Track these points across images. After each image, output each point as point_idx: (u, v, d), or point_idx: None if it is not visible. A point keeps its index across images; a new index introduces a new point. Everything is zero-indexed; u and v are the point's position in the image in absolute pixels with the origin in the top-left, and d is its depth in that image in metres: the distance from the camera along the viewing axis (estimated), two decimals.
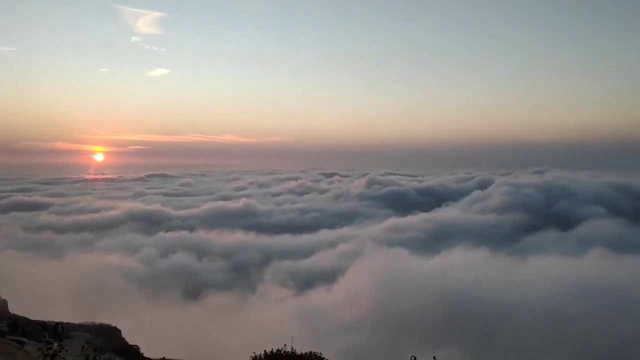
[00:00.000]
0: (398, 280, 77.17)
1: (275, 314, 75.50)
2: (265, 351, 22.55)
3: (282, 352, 22.28)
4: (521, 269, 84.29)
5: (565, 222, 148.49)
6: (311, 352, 23.82)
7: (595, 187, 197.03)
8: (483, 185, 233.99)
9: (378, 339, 55.62)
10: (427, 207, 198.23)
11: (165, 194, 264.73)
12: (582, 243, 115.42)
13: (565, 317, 60.70)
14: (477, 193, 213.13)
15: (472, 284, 70.99)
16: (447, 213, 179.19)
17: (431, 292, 68.93)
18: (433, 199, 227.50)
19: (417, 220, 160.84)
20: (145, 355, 35.87)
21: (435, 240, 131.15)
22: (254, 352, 22.54)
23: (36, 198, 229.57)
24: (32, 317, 43.79)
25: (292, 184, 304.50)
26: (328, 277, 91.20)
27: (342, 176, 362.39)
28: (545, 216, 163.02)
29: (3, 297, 55.53)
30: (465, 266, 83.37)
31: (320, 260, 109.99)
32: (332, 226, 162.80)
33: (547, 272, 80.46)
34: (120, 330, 45.87)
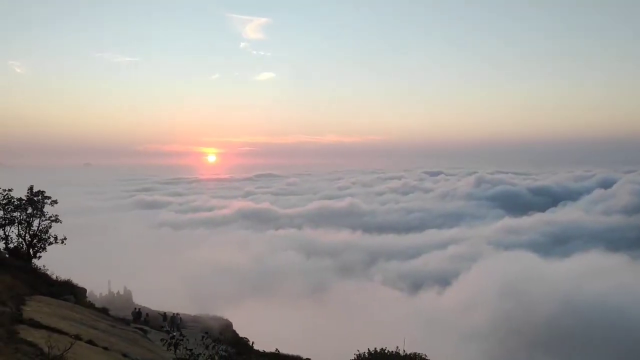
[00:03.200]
0: (524, 286, 71.24)
1: (385, 314, 73.52)
2: (369, 349, 22.86)
3: (385, 351, 22.37)
4: None
5: None
6: (416, 353, 22.63)
7: None
8: (605, 184, 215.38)
9: (506, 350, 51.34)
10: (543, 208, 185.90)
11: (273, 193, 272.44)
12: None
13: None
14: (599, 192, 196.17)
15: (608, 293, 63.63)
16: (568, 214, 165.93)
17: (562, 300, 62.76)
18: (548, 198, 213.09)
19: (533, 221, 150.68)
20: (255, 348, 36.10)
21: (556, 243, 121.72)
22: (358, 350, 22.90)
23: (157, 197, 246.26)
24: (153, 308, 46.04)
25: (395, 183, 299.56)
26: (440, 279, 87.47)
27: (447, 175, 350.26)
28: None
29: (128, 289, 59.30)
30: (598, 272, 75.22)
31: (429, 262, 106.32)
32: (438, 226, 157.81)
33: None
34: (232, 323, 47.06)
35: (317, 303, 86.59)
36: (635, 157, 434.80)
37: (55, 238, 35.65)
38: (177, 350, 10.51)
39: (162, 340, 10.89)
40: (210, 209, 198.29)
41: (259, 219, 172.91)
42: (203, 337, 11.15)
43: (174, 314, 39.46)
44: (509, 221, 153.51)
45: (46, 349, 10.58)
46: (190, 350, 10.64)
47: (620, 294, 64.97)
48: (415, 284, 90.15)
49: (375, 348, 22.67)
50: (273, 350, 34.18)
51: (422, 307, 75.03)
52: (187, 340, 10.77)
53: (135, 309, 39.66)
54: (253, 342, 37.58)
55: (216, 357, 11.00)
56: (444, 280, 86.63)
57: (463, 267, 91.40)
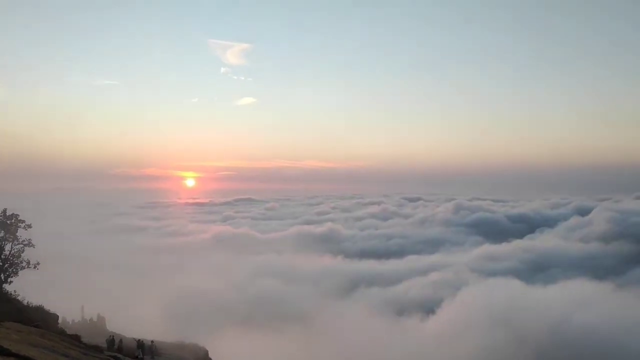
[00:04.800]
0: (510, 314, 70.70)
1: (368, 341, 72.25)
2: None
3: None
4: None
5: None
6: None
7: None
8: (582, 211, 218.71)
9: None
10: (520, 235, 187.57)
11: (252, 218, 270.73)
12: None
13: None
14: (576, 219, 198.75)
15: (595, 321, 63.44)
16: (546, 241, 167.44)
17: (550, 329, 62.29)
18: (526, 225, 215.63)
19: (512, 248, 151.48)
20: None
21: (536, 270, 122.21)
22: None
23: (133, 221, 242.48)
24: (127, 335, 44.68)
25: (375, 209, 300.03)
26: (423, 306, 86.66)
27: (426, 201, 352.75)
28: None
29: (102, 315, 57.37)
30: (583, 300, 75.25)
31: (411, 288, 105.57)
32: (418, 252, 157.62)
33: None
34: (207, 351, 45.93)
35: (297, 330, 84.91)
36: (609, 185, 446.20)
37: (28, 263, 34.47)
38: None
39: None
40: (188, 234, 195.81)
41: (238, 244, 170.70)
42: None
43: (149, 341, 38.15)
44: (488, 248, 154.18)
45: None
46: None
47: (607, 322, 64.88)
48: (398, 311, 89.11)
49: None
50: None
51: (405, 334, 73.84)
52: None
53: (110, 336, 38.20)
54: None
55: None
56: (427, 307, 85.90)
57: (446, 294, 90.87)
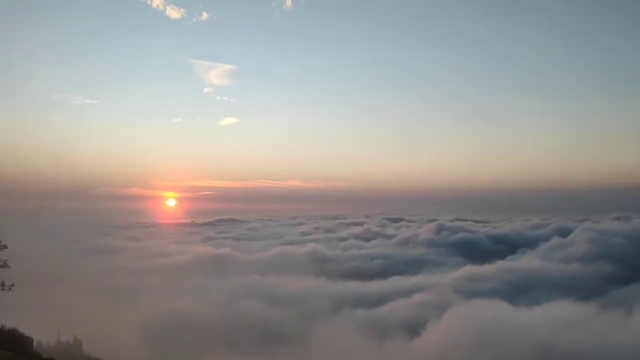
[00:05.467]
0: (498, 336, 70.38)
1: None
2: None
3: None
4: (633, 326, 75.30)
5: None
6: None
7: None
8: (562, 232, 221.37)
9: None
10: (502, 255, 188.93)
11: (234, 238, 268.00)
12: None
13: None
14: (557, 240, 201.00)
15: (585, 344, 63.34)
16: (528, 262, 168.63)
17: (540, 351, 61.98)
18: (507, 246, 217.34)
19: (495, 269, 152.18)
20: None
21: (520, 291, 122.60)
22: None
23: (113, 242, 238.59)
24: (104, 358, 43.65)
25: (357, 229, 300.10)
26: (408, 327, 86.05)
27: (408, 222, 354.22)
28: (638, 267, 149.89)
29: (78, 337, 55.92)
30: (570, 322, 75.29)
31: (396, 309, 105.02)
32: (401, 273, 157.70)
33: None
34: None
35: (281, 352, 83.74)
36: (587, 206, 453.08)
37: (3, 284, 33.60)
38: None
39: None
40: (169, 255, 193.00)
41: (220, 265, 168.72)
42: None
43: None
44: (471, 269, 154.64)
45: None
46: None
47: (593, 343, 64.96)
48: (383, 332, 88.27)
49: None
50: None
51: (391, 357, 73.07)
52: None
53: (88, 359, 37.09)
54: None
55: None
56: (412, 329, 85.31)
57: (430, 315, 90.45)
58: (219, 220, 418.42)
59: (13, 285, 34.04)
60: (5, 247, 34.26)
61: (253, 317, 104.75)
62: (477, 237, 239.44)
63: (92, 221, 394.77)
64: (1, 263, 33.69)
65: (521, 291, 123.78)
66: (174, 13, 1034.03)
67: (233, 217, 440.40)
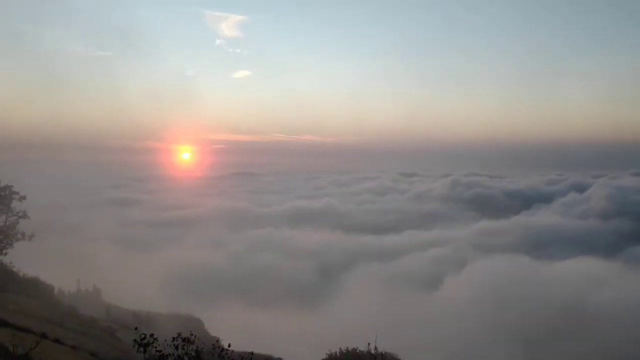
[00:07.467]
0: (520, 290, 69.80)
1: (367, 316, 71.75)
2: (340, 349, 23.47)
3: (357, 350, 22.70)
4: None
5: None
6: (386, 352, 22.27)
7: None
8: (578, 188, 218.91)
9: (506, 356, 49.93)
10: (516, 211, 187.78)
11: (249, 192, 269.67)
12: None
13: None
14: (573, 196, 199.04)
15: (608, 298, 62.73)
16: (544, 218, 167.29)
17: (563, 306, 61.49)
18: (522, 201, 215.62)
19: (511, 224, 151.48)
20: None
21: (537, 247, 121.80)
22: (330, 350, 23.39)
23: (128, 194, 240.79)
24: (123, 306, 44.41)
25: (371, 184, 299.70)
26: (425, 281, 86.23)
27: (422, 176, 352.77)
28: None
29: (97, 287, 56.81)
30: (593, 277, 74.49)
31: (412, 263, 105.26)
32: (416, 227, 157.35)
33: None
34: (203, 323, 45.58)
35: (296, 304, 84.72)
36: (604, 161, 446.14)
37: (23, 234, 34.18)
38: (147, 351, 10.69)
39: (134, 341, 10.69)
40: (184, 207, 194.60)
41: (235, 218, 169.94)
42: (174, 338, 11.23)
43: (145, 313, 37.74)
44: (487, 224, 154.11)
45: (11, 348, 10.45)
46: (160, 351, 10.81)
47: (620, 299, 64.08)
48: (401, 285, 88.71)
49: (347, 347, 23.21)
50: (247, 351, 32.54)
51: (410, 309, 73.35)
52: (157, 339, 10.75)
53: (108, 307, 37.60)
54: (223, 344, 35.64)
55: (186, 358, 11.14)
56: (430, 282, 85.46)
57: (448, 269, 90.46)
58: (234, 174, 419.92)
59: (33, 235, 34.50)
60: (24, 198, 34.36)
61: (270, 268, 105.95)
62: (492, 192, 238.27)
63: (107, 173, 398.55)
64: (21, 214, 34.07)
65: (539, 247, 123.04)
66: None
67: (248, 171, 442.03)
